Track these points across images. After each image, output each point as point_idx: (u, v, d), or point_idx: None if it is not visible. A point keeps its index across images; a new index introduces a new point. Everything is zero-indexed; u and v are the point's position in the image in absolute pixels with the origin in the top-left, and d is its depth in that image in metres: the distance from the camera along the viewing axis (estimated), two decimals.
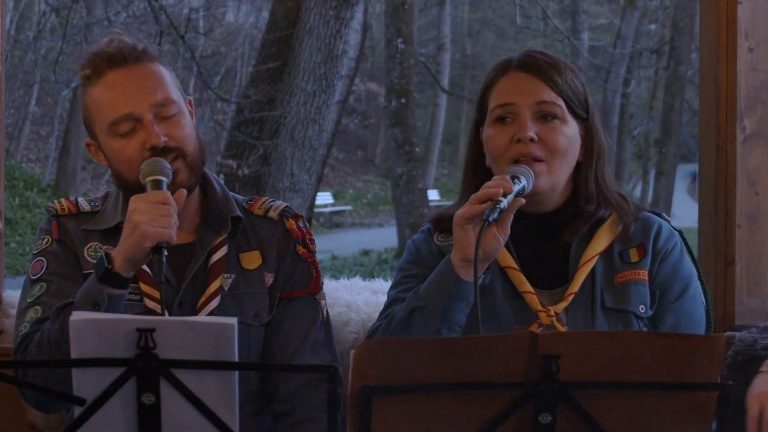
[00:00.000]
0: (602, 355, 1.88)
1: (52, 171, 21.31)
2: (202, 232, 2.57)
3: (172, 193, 2.38)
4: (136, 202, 2.34)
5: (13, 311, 3.08)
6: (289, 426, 2.53)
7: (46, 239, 2.57)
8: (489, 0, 25.11)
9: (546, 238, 2.55)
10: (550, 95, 2.50)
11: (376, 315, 2.95)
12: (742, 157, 3.21)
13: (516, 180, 2.39)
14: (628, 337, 1.95)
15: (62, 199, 2.63)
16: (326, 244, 18.02)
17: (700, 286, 2.60)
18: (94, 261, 2.47)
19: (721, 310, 3.17)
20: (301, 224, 2.65)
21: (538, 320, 2.47)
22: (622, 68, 21.05)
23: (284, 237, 2.63)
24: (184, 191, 2.42)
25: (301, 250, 2.63)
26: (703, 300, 2.60)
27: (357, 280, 3.26)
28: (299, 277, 2.62)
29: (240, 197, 2.67)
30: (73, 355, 1.89)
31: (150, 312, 2.48)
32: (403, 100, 16.18)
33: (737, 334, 3.00)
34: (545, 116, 2.50)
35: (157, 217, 2.30)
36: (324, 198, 24.47)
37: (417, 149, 16.59)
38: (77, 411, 1.91)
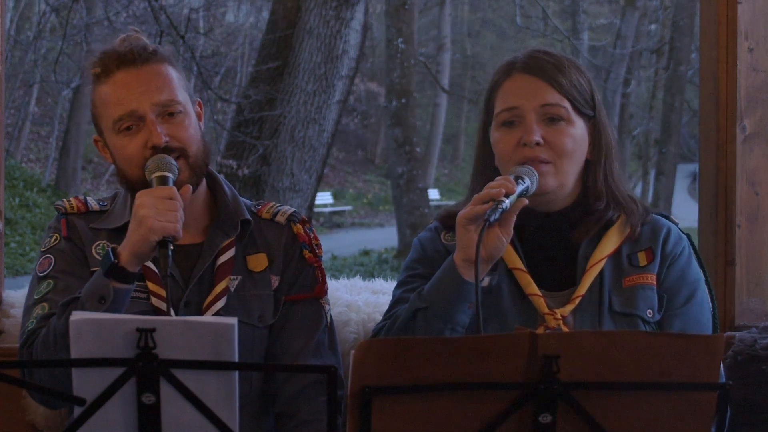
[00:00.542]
0: (602, 355, 1.88)
1: (52, 171, 21.31)
2: (211, 234, 2.59)
3: (178, 190, 2.40)
4: (142, 196, 2.36)
5: (13, 311, 3.09)
6: (291, 427, 2.54)
7: (54, 237, 2.59)
8: (489, 0, 25.10)
9: (555, 238, 2.54)
10: (554, 97, 2.49)
11: (376, 315, 2.96)
12: (742, 157, 3.21)
13: (519, 180, 2.39)
14: (628, 337, 1.95)
15: (71, 198, 2.65)
16: (326, 244, 17.88)
17: (707, 290, 2.58)
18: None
19: (721, 310, 3.18)
20: (308, 229, 2.68)
21: (544, 323, 2.46)
22: (622, 68, 21.05)
23: (291, 241, 2.65)
24: (190, 187, 2.45)
25: (307, 254, 2.65)
26: (710, 305, 2.58)
27: (357, 280, 3.27)
28: (305, 281, 2.63)
29: (248, 201, 2.69)
30: (73, 355, 1.89)
31: (156, 310, 2.49)
32: (403, 100, 16.19)
33: (737, 334, 3.01)
34: (551, 118, 2.48)
35: (163, 211, 2.32)
36: (324, 198, 24.47)
37: (417, 149, 16.59)
38: (77, 411, 1.91)
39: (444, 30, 26.22)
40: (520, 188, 2.37)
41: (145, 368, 1.88)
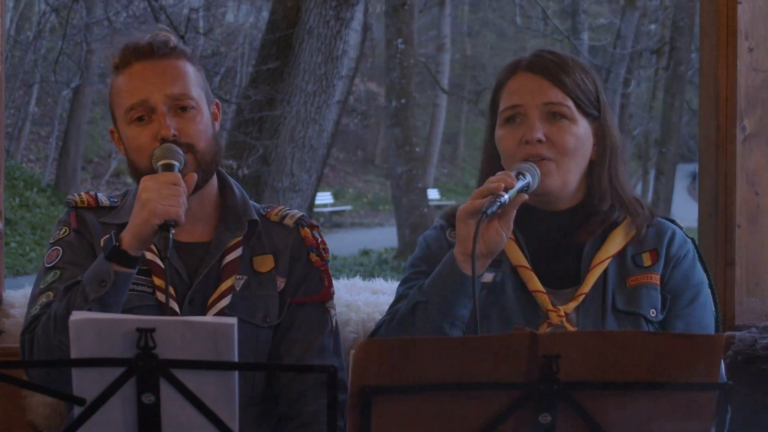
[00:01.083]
0: (602, 355, 1.88)
1: (52, 171, 21.32)
2: (219, 232, 2.59)
3: (183, 178, 2.41)
4: (146, 181, 2.37)
5: (13, 311, 3.09)
6: (293, 429, 2.54)
7: (63, 230, 2.61)
8: (489, 0, 25.10)
9: (559, 237, 2.54)
10: (557, 96, 2.49)
11: (376, 315, 2.96)
12: (742, 157, 3.21)
13: (520, 176, 2.39)
14: (628, 337, 1.95)
15: (82, 193, 2.67)
16: None
17: (710, 293, 2.59)
18: None
19: (721, 310, 3.17)
20: (316, 233, 2.68)
21: (548, 320, 2.47)
22: (622, 68, 21.03)
23: (298, 244, 2.65)
24: (195, 175, 2.45)
25: (314, 258, 2.65)
26: (713, 309, 2.59)
27: (357, 280, 3.27)
28: (311, 284, 2.63)
29: (257, 204, 2.70)
30: (73, 354, 1.89)
31: (161, 304, 2.50)
32: (403, 100, 16.21)
33: (737, 334, 3.01)
34: (554, 116, 2.49)
35: (166, 195, 2.33)
36: (324, 198, 24.49)
37: (417, 149, 16.61)
38: (77, 411, 1.91)
39: (444, 30, 26.22)
40: (520, 184, 2.37)
41: (145, 368, 1.87)
